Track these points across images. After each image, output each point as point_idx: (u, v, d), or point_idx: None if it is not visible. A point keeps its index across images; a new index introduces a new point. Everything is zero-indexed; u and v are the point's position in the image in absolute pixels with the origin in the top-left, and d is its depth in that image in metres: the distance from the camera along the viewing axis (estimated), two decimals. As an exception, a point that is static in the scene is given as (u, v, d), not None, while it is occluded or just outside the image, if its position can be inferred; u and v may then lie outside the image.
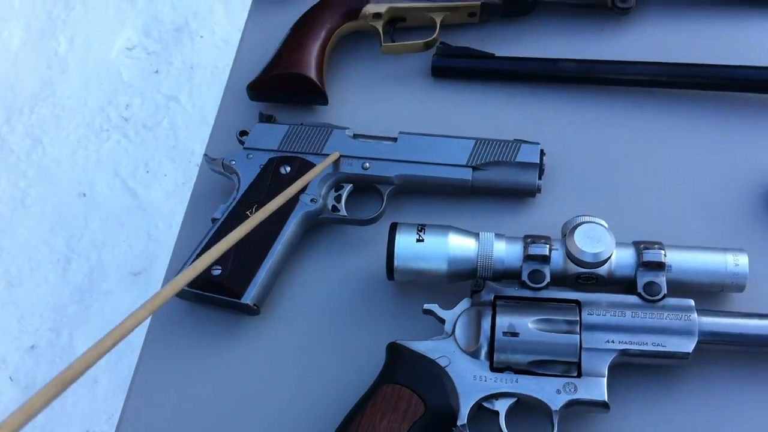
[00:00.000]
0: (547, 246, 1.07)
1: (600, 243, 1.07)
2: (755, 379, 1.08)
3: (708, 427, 1.05)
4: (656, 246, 1.07)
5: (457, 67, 1.38)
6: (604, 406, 1.02)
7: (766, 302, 1.10)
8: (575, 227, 1.06)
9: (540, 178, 1.23)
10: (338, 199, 1.22)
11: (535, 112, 1.32)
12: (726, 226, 1.20)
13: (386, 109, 1.34)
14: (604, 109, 1.32)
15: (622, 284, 1.09)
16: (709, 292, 1.11)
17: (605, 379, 1.02)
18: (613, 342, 1.05)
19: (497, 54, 1.36)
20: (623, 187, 1.24)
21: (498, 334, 1.03)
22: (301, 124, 1.26)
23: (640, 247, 1.08)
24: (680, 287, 1.08)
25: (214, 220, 1.18)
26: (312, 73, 1.30)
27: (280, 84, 1.33)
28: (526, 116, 1.31)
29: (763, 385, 1.08)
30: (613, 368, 1.03)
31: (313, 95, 1.33)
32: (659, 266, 1.07)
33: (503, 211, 1.23)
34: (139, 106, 2.89)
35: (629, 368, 1.06)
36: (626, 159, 1.26)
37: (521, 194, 1.24)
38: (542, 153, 1.22)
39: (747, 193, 1.23)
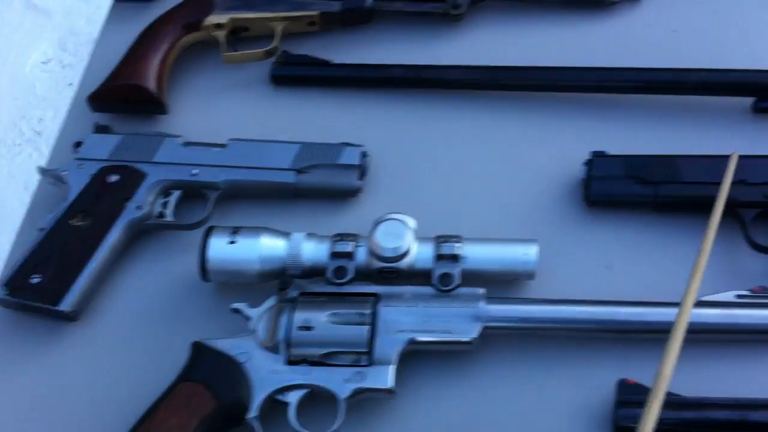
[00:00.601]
0: (352, 243, 1.13)
1: (398, 238, 1.13)
2: (542, 362, 1.16)
3: (495, 407, 1.14)
4: (453, 239, 1.13)
5: (296, 75, 1.44)
6: (389, 392, 1.07)
7: (555, 286, 1.18)
8: (376, 224, 1.12)
9: (361, 179, 1.28)
10: (165, 205, 1.26)
11: (366, 116, 1.39)
12: (533, 219, 1.27)
13: (228, 118, 1.40)
14: (429, 112, 1.39)
15: (424, 277, 1.14)
16: (506, 281, 1.17)
17: (394, 366, 1.08)
18: (403, 332, 1.11)
19: (337, 61, 1.42)
20: (439, 185, 1.31)
21: (294, 329, 1.07)
22: (136, 133, 1.29)
23: (438, 241, 1.12)
24: (477, 277, 1.15)
25: (40, 230, 1.21)
26: (150, 84, 1.36)
27: (121, 95, 1.38)
28: (359, 120, 1.38)
29: (548, 368, 1.16)
30: (406, 355, 1.10)
31: (153, 105, 1.38)
32: (454, 258, 1.13)
33: (327, 212, 1.29)
34: (51, 120, 2.88)
35: (423, 355, 1.13)
36: (444, 159, 1.33)
37: (344, 195, 1.29)
38: (364, 155, 1.28)
39: (553, 187, 1.31)
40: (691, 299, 0.90)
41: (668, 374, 0.86)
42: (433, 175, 1.31)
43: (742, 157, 1.18)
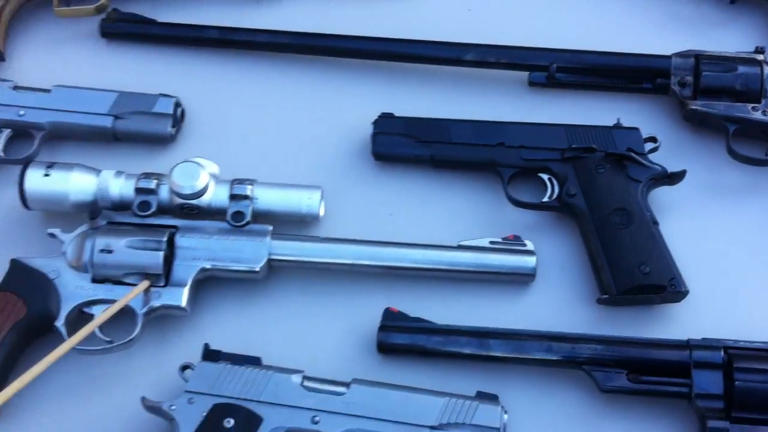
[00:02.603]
0: (155, 181, 1.23)
1: (193, 178, 1.24)
2: (322, 293, 1.30)
3: (280, 329, 1.27)
4: (247, 182, 1.24)
5: (124, 32, 1.52)
6: (183, 310, 1.19)
7: (344, 228, 1.32)
8: (175, 166, 1.23)
9: (174, 127, 1.37)
10: None
11: (186, 71, 1.49)
12: (327, 170, 1.39)
13: (60, 68, 1.48)
14: (241, 71, 1.49)
15: (221, 214, 1.25)
16: (296, 222, 1.30)
17: (188, 288, 1.20)
18: (198, 259, 1.22)
19: (163, 19, 1.50)
20: (246, 137, 1.42)
21: (95, 253, 1.17)
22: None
23: (233, 183, 1.24)
24: (268, 217, 1.26)
25: None
26: (-14, 35, 1.37)
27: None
28: (179, 75, 1.48)
29: (327, 298, 1.30)
30: (203, 280, 1.23)
31: (-10, 54, 1.39)
32: (245, 198, 1.24)
33: (143, 156, 1.40)
34: None
35: (219, 282, 1.25)
36: (252, 114, 1.45)
37: (158, 140, 1.39)
38: (177, 105, 1.38)
39: (347, 142, 1.44)
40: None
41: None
42: (241, 128, 1.42)
43: (504, 123, 1.33)
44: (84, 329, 1.10)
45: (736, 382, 1.08)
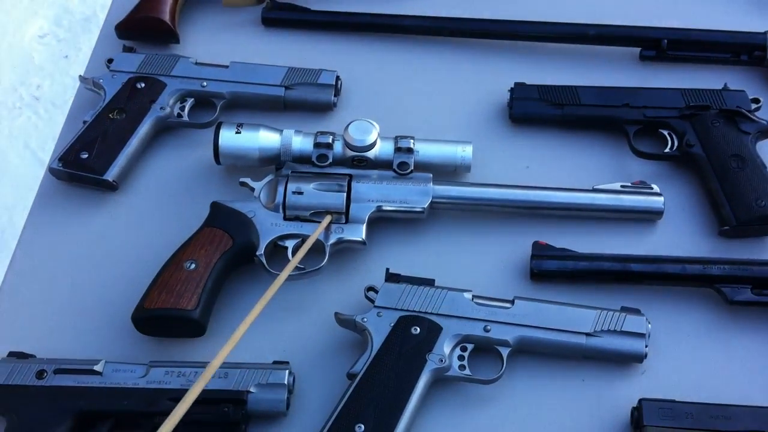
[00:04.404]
0: (331, 137, 1.37)
1: (366, 133, 1.37)
2: (478, 230, 1.42)
3: (442, 260, 1.38)
4: (409, 137, 1.38)
5: (282, 18, 1.67)
6: (362, 243, 1.31)
7: (488, 178, 1.42)
8: (350, 123, 1.37)
9: (336, 95, 1.52)
10: (182, 108, 1.49)
11: (337, 52, 1.64)
12: (472, 130, 1.53)
13: (226, 50, 1.62)
14: (389, 51, 1.65)
15: (386, 166, 1.38)
16: (448, 172, 1.41)
17: (365, 225, 1.32)
18: (371, 201, 1.34)
19: (315, 8, 1.66)
20: (398, 104, 1.55)
21: (288, 194, 1.32)
22: (156, 53, 1.53)
23: (397, 138, 1.38)
24: (426, 167, 1.39)
25: (84, 122, 1.44)
26: (166, 17, 1.58)
27: (143, 25, 1.60)
28: (332, 55, 1.62)
29: (482, 234, 1.41)
30: (375, 221, 1.35)
31: (167, 35, 1.60)
32: (409, 150, 1.37)
33: (309, 122, 1.53)
34: (49, 87, 3.04)
35: (388, 221, 1.38)
36: (401, 86, 1.59)
37: (322, 108, 1.53)
38: (338, 78, 1.51)
39: (487, 107, 1.58)
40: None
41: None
42: (390, 99, 1.56)
43: (627, 89, 1.49)
44: (293, 260, 1.23)
45: None
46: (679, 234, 1.37)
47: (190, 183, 1.45)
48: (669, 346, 1.26)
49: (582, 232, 1.36)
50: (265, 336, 1.26)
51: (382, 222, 1.35)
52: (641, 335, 1.19)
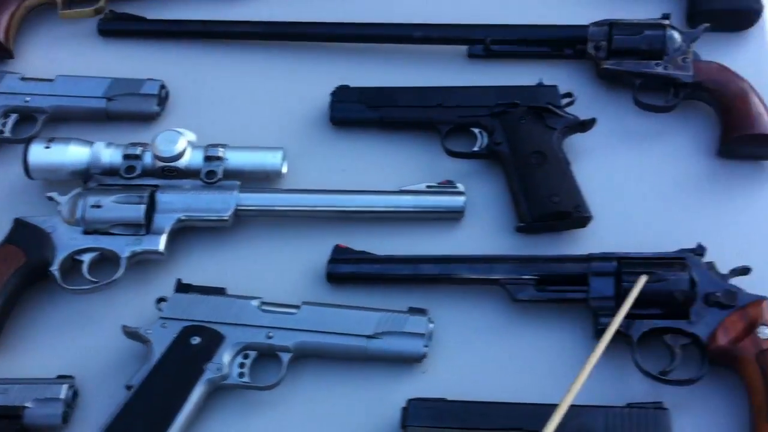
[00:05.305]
0: (140, 148, 1.38)
1: (173, 143, 1.38)
2: (281, 235, 1.43)
3: (248, 268, 1.40)
4: (219, 146, 1.38)
5: (117, 29, 1.68)
6: (160, 254, 1.32)
7: (306, 183, 1.44)
8: (157, 134, 1.39)
9: (161, 105, 1.53)
10: (4, 125, 1.53)
11: (171, 59, 1.64)
12: (292, 135, 1.54)
13: (64, 62, 1.63)
14: (219, 56, 1.64)
15: (197, 175, 1.39)
16: (260, 179, 1.43)
17: (165, 235, 1.33)
18: (175, 211, 1.35)
19: (151, 17, 1.66)
20: (225, 110, 1.57)
21: (87, 208, 1.33)
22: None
23: (207, 147, 1.39)
24: (238, 175, 1.40)
25: None
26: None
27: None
28: (167, 62, 1.63)
29: (285, 239, 1.43)
30: (180, 230, 1.37)
31: (1, 51, 1.59)
32: (217, 159, 1.38)
33: (133, 132, 1.53)
34: None
35: (194, 230, 1.39)
36: (228, 92, 1.59)
37: (145, 118, 1.54)
38: (162, 87, 1.52)
39: (309, 111, 1.59)
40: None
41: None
42: (218, 105, 1.57)
43: (442, 88, 1.49)
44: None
45: (623, 284, 1.18)
46: (482, 232, 1.37)
47: (7, 199, 1.45)
48: (456, 344, 1.27)
49: (390, 234, 1.38)
50: (55, 350, 1.28)
51: (189, 232, 1.37)
52: (421, 335, 1.18)
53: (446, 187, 1.37)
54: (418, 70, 1.58)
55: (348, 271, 1.30)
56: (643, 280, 1.16)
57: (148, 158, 1.37)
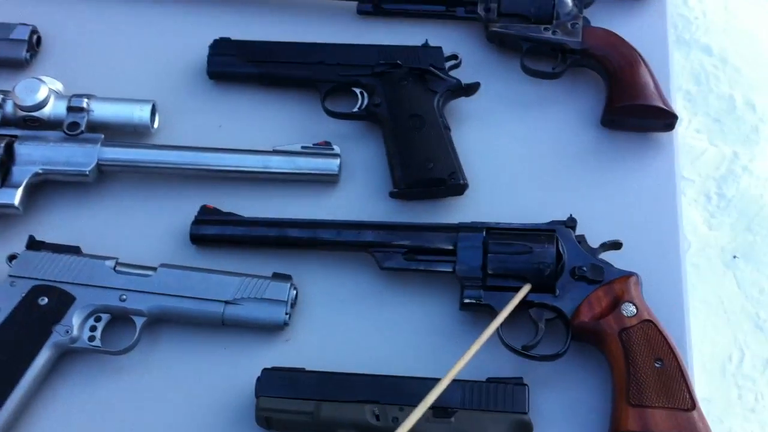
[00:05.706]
0: (1, 96, 1.30)
1: (33, 92, 1.31)
2: (148, 192, 1.38)
3: (111, 226, 1.35)
4: (84, 96, 1.31)
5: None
6: (15, 208, 1.27)
7: (180, 138, 1.39)
8: (18, 83, 1.30)
9: (30, 51, 1.47)
10: None
11: (49, 5, 1.58)
12: (166, 87, 1.49)
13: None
14: (100, 3, 1.59)
15: (60, 126, 1.32)
16: (128, 132, 1.37)
17: (21, 189, 1.29)
18: (34, 164, 1.28)
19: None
20: (101, 60, 1.52)
21: None
22: None
23: (72, 97, 1.31)
24: (104, 128, 1.35)
25: None
26: None
27: None
28: (43, 10, 1.57)
29: (151, 197, 1.38)
30: (41, 184, 1.31)
31: None
32: (81, 110, 1.31)
33: (2, 78, 1.45)
34: None
35: (56, 184, 1.33)
36: (105, 41, 1.55)
37: (14, 65, 1.48)
38: (33, 32, 1.46)
39: (185, 64, 1.53)
40: None
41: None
42: (93, 54, 1.51)
43: (324, 44, 1.43)
44: None
45: (489, 255, 1.13)
46: (358, 196, 1.33)
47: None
48: (322, 313, 1.23)
49: (263, 196, 1.33)
50: None
51: (50, 187, 1.31)
52: (282, 302, 1.13)
53: (322, 148, 1.32)
54: (307, 26, 1.53)
55: (212, 233, 1.25)
56: (527, 288, 1.13)
57: (9, 107, 1.30)
